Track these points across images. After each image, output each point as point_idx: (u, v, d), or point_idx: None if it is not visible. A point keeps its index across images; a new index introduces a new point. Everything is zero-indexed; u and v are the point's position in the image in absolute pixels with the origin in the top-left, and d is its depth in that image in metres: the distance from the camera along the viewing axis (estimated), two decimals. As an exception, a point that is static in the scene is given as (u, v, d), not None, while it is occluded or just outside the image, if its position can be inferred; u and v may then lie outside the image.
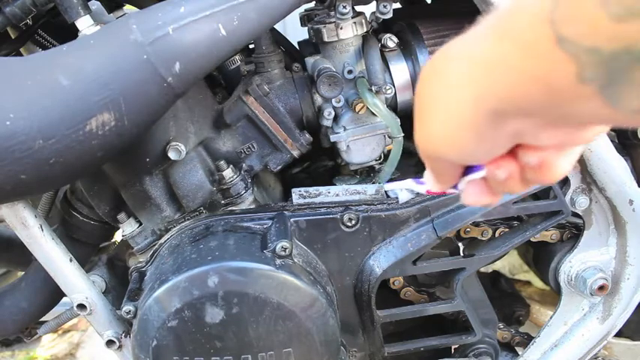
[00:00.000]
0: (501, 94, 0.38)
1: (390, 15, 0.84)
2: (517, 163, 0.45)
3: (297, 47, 1.05)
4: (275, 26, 0.82)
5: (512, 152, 0.44)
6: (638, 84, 0.31)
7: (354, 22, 0.87)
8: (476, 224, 0.92)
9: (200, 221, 0.85)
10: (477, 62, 0.39)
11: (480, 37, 0.39)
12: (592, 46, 0.31)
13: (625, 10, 0.29)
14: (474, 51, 0.39)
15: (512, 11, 0.36)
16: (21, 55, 0.96)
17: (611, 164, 0.86)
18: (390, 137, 0.90)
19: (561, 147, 0.43)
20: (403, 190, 0.75)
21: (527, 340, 1.03)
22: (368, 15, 0.90)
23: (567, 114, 0.36)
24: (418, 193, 0.70)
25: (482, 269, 1.20)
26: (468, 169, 0.47)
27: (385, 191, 0.87)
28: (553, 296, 1.06)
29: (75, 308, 0.88)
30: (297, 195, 0.87)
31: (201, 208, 0.88)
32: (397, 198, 0.83)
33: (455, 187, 0.49)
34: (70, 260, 0.86)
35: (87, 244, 0.99)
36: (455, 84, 0.41)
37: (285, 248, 0.76)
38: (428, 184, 0.53)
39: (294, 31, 1.08)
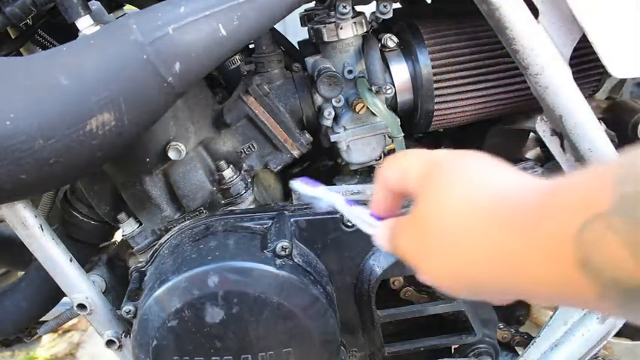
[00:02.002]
0: (505, 286, 0.40)
1: (390, 15, 0.84)
2: None
3: (297, 47, 1.05)
4: (275, 26, 0.82)
5: None
6: None
7: (354, 22, 0.87)
8: (476, 224, 0.92)
9: (200, 221, 0.85)
10: (494, 252, 0.39)
11: (507, 231, 0.39)
12: (615, 278, 0.32)
13: None
14: (496, 237, 0.40)
15: (538, 218, 0.37)
16: (21, 55, 0.95)
17: (611, 164, 0.86)
18: (390, 137, 0.90)
19: None
20: (324, 200, 0.75)
21: (527, 340, 1.03)
22: (368, 15, 0.90)
23: (575, 305, 0.41)
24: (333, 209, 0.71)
25: (483, 269, 1.19)
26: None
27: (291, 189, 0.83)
28: (553, 296, 1.06)
29: (75, 308, 0.88)
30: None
31: (201, 208, 0.88)
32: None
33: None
34: (70, 260, 0.86)
35: (87, 244, 0.99)
36: (468, 252, 0.42)
37: (285, 248, 0.76)
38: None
39: (294, 31, 1.08)
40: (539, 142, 1.16)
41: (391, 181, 0.52)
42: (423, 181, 0.47)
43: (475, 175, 0.44)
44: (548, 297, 0.38)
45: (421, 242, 0.46)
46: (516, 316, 1.18)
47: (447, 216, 0.43)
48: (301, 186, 0.67)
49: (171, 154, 0.81)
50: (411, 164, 0.49)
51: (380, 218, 0.57)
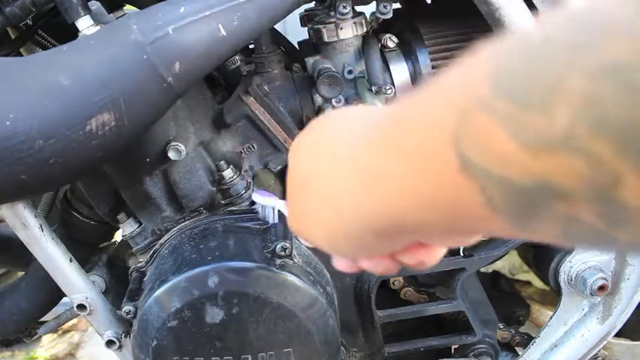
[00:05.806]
0: (389, 216, 0.32)
1: (390, 15, 0.84)
2: (394, 260, 0.42)
3: (297, 47, 1.05)
4: (275, 26, 0.82)
5: None
6: (557, 219, 0.25)
7: (354, 22, 0.87)
8: (476, 224, 0.92)
9: (200, 221, 0.85)
10: (360, 176, 0.33)
11: (368, 146, 0.33)
12: (503, 177, 0.25)
13: (539, 142, 0.23)
14: (359, 160, 0.34)
15: (405, 122, 0.31)
16: (21, 55, 0.95)
17: (611, 164, 0.86)
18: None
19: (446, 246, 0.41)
20: (272, 208, 0.77)
21: (527, 340, 1.03)
22: (368, 15, 0.90)
23: (469, 232, 0.32)
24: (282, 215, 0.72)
25: (483, 269, 1.20)
26: None
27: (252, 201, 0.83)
28: (553, 296, 1.06)
29: (75, 308, 0.88)
30: (297, 195, 0.86)
31: (201, 208, 0.88)
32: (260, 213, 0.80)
33: None
34: (70, 260, 0.86)
35: (87, 244, 0.99)
36: (332, 193, 0.36)
37: (285, 248, 0.75)
38: None
39: (294, 31, 1.08)
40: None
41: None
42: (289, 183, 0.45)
43: (315, 135, 0.40)
44: (438, 221, 0.30)
45: (305, 217, 0.42)
46: (516, 316, 1.18)
47: (312, 179, 0.39)
48: (259, 197, 0.72)
49: (171, 155, 0.81)
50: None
51: None
